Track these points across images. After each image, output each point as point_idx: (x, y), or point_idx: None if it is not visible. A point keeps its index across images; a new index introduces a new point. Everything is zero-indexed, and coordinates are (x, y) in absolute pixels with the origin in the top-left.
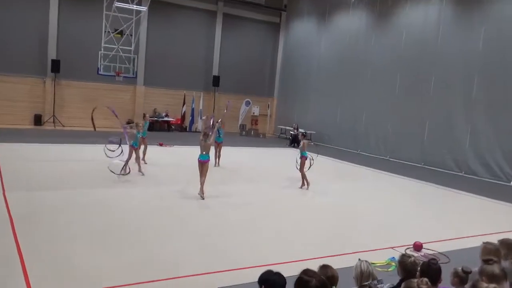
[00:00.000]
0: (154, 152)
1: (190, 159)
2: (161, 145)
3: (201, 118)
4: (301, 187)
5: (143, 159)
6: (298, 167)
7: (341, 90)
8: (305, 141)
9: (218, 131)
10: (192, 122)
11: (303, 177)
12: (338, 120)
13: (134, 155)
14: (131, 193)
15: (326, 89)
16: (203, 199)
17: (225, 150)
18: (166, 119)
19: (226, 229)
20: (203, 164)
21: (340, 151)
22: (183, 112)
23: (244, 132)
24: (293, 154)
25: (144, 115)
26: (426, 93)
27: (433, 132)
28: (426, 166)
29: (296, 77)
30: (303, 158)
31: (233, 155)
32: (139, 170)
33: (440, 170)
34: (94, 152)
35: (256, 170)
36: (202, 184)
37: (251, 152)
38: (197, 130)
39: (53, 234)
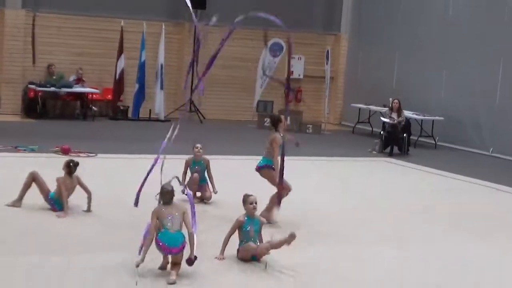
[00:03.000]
0: (50, 170)
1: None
2: (65, 151)
3: (161, 86)
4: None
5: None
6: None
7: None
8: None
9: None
10: (140, 96)
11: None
12: (500, 94)
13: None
14: None
15: (471, 26)
16: None
17: (224, 162)
18: (77, 90)
19: None
20: (173, 252)
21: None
22: (118, 73)
23: (268, 120)
24: (394, 172)
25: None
26: None
27: None
28: None
29: None
30: None
31: (243, 175)
32: None
33: None
34: None
35: (300, 212)
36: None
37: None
38: (153, 116)
39: None
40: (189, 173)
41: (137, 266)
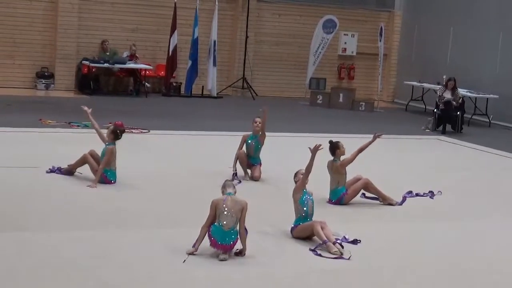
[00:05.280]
0: (103, 146)
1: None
2: (119, 128)
3: (214, 63)
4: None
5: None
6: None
7: None
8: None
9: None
10: (192, 73)
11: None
12: None
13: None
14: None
15: None
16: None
17: (276, 139)
18: (130, 66)
19: None
20: (223, 249)
21: None
22: (171, 49)
23: (320, 97)
24: (447, 150)
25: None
26: None
27: None
28: None
29: None
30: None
31: (295, 151)
32: None
33: None
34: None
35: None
36: None
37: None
38: (206, 93)
39: None
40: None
41: (189, 254)
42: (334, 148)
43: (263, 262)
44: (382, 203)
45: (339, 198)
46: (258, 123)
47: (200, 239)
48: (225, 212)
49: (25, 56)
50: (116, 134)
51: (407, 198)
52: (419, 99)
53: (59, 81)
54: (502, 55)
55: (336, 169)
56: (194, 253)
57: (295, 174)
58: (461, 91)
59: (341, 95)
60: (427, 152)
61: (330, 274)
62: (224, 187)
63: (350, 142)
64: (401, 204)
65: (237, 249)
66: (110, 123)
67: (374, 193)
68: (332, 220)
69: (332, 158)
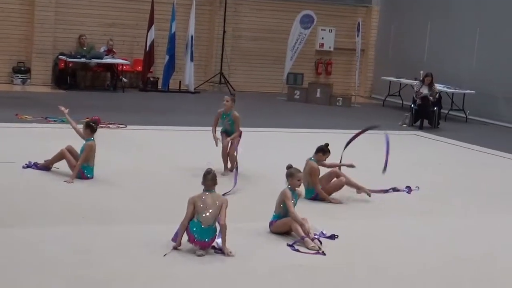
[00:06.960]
0: (81, 142)
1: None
2: (92, 121)
3: (191, 58)
4: None
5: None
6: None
7: None
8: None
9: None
10: (170, 68)
11: None
12: None
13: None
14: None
15: None
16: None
17: (253, 134)
18: (107, 61)
19: None
20: (201, 246)
21: None
22: (148, 44)
23: (298, 93)
24: (424, 145)
25: None
26: None
27: None
28: None
29: None
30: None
31: (272, 146)
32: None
33: None
34: None
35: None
36: None
37: (315, 142)
38: (183, 88)
39: None
40: (219, 129)
41: (173, 248)
42: (322, 150)
43: (240, 257)
44: (357, 193)
45: (314, 195)
46: (226, 100)
47: (181, 234)
48: (204, 211)
49: (1, 50)
50: (91, 127)
51: (385, 194)
52: (396, 95)
53: (35, 76)
54: (479, 51)
55: (308, 170)
56: (178, 248)
57: (291, 174)
58: (438, 87)
59: (318, 90)
60: (404, 148)
61: (307, 269)
62: (204, 182)
63: (327, 138)
64: (382, 192)
65: (217, 248)
66: (87, 118)
67: (352, 187)
68: (310, 216)
69: (311, 156)
